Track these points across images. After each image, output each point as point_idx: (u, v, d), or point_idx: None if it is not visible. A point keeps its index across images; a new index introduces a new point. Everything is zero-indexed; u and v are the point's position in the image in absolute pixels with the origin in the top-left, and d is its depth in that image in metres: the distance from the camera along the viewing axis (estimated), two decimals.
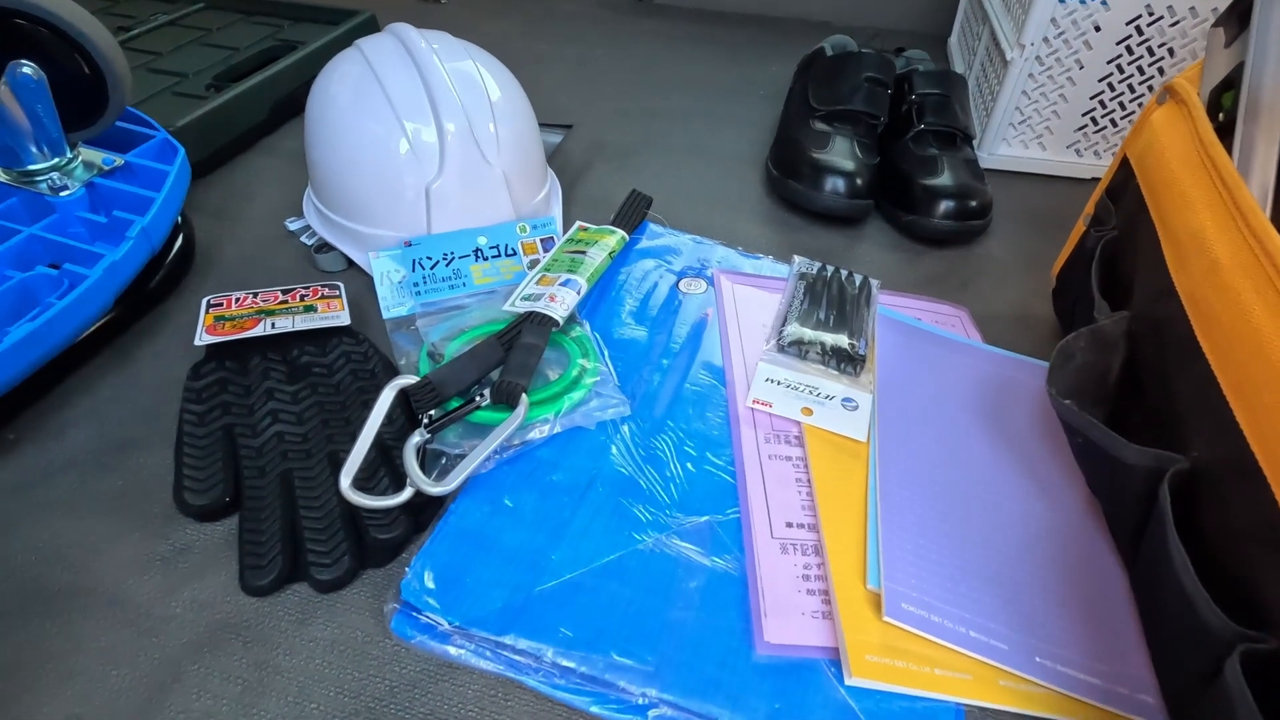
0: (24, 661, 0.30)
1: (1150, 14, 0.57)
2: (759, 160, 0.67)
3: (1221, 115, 0.34)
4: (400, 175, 0.46)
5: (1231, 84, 0.34)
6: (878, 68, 0.59)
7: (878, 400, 0.41)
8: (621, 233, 0.50)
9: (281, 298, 0.43)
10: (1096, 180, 0.64)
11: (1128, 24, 0.57)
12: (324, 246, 0.51)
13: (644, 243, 0.53)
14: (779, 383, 0.41)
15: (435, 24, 0.66)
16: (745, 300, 0.48)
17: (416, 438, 0.36)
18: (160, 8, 0.79)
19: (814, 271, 0.49)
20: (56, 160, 0.45)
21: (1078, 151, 0.65)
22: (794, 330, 0.44)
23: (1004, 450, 0.39)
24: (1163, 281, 0.33)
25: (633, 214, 0.53)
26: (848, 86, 0.59)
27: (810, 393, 0.41)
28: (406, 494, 0.34)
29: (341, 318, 0.42)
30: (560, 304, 0.42)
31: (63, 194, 0.44)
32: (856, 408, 0.40)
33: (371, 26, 0.77)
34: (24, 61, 0.40)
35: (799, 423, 0.39)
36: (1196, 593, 0.25)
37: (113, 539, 0.34)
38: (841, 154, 0.57)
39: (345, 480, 0.33)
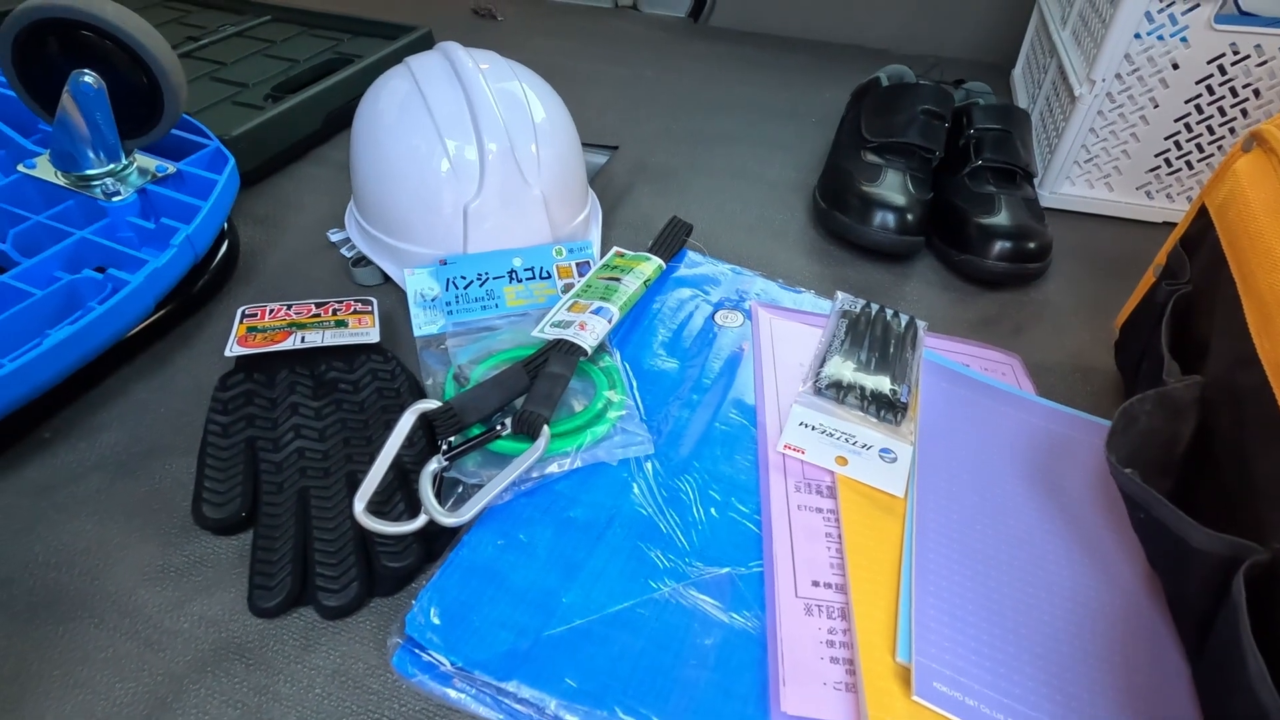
0: (30, 667, 0.30)
1: (1235, 52, 0.53)
2: (806, 189, 0.65)
3: None
4: (439, 193, 0.46)
5: None
6: (934, 100, 0.57)
7: (918, 452, 0.38)
8: (659, 260, 0.49)
9: (315, 311, 0.44)
10: (1167, 224, 0.61)
11: (1209, 62, 0.54)
12: (362, 260, 0.51)
13: (682, 271, 0.52)
14: (813, 428, 0.39)
15: (491, 40, 0.66)
16: (783, 336, 0.46)
17: (434, 465, 0.35)
18: (229, 19, 0.82)
19: (857, 309, 0.47)
20: (112, 166, 0.46)
21: (1148, 194, 0.61)
22: (832, 371, 0.42)
23: (1055, 516, 0.36)
24: (1244, 347, 0.30)
25: (672, 241, 0.52)
26: (903, 118, 0.57)
27: (846, 440, 0.39)
28: (420, 521, 0.33)
29: (371, 335, 0.42)
30: (590, 333, 0.41)
31: (115, 199, 0.45)
32: (895, 459, 0.38)
33: (427, 41, 0.78)
34: (86, 71, 0.41)
35: (832, 472, 0.37)
36: (1275, 708, 0.22)
37: (130, 546, 0.35)
38: (893, 188, 0.55)
39: (359, 504, 0.33)
